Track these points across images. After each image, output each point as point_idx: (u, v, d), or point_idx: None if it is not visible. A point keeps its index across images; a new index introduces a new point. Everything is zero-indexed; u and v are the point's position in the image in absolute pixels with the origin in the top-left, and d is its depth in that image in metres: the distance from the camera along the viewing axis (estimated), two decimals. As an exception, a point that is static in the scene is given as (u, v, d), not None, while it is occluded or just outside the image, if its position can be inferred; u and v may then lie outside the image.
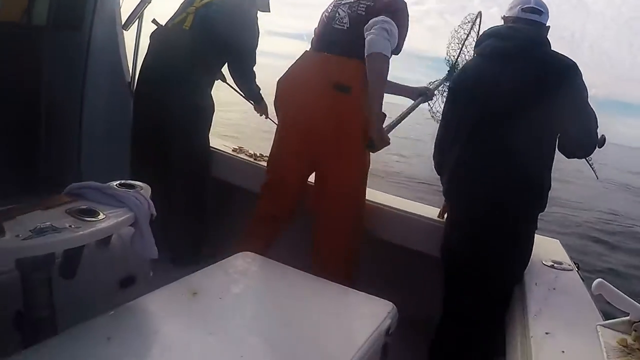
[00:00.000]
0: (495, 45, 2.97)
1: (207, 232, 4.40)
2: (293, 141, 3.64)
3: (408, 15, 3.45)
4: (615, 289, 2.15)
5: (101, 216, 1.95)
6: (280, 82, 3.69)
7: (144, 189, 2.32)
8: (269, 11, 4.48)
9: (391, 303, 2.39)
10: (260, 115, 4.82)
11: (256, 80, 4.52)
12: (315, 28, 3.79)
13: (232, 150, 4.69)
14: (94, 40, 4.75)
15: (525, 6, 2.99)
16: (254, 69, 4.44)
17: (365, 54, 3.20)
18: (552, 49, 2.92)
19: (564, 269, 2.95)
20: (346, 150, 3.46)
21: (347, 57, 3.36)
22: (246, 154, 4.61)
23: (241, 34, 4.19)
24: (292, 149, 3.65)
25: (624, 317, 2.14)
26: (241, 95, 4.65)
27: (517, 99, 2.80)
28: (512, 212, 2.87)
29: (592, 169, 3.28)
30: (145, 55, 4.42)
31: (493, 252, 2.86)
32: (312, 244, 3.67)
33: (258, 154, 4.59)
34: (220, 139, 5.09)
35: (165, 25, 4.34)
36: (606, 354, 1.93)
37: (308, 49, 3.76)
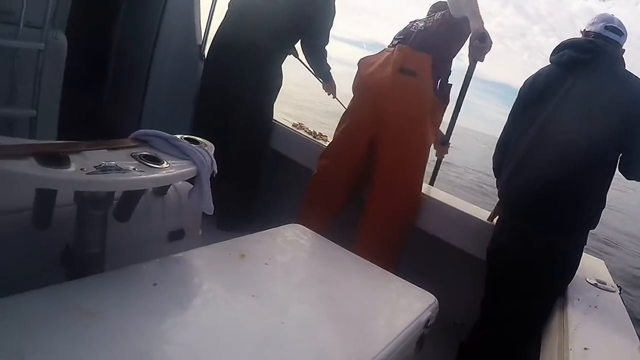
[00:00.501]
0: (572, 56, 2.96)
1: (259, 201, 4.44)
2: (361, 115, 3.91)
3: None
4: None
5: (165, 165, 1.96)
6: (359, 64, 4.00)
7: (208, 146, 2.33)
8: None
9: (433, 296, 2.38)
10: (328, 94, 4.84)
11: (327, 59, 4.53)
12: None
13: (293, 125, 4.72)
14: (170, 0, 4.82)
15: (609, 24, 3.01)
16: (326, 47, 4.46)
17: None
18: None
19: (607, 289, 2.93)
20: (407, 130, 3.71)
21: (417, 50, 3.71)
22: (306, 131, 4.63)
23: (318, 11, 4.23)
24: (359, 122, 3.91)
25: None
26: (311, 72, 4.66)
27: (587, 110, 2.78)
28: (565, 226, 2.86)
29: None
30: (222, 22, 4.47)
31: (541, 262, 2.85)
32: (360, 224, 3.83)
33: (317, 133, 4.61)
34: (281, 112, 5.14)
35: None
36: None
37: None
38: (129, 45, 5.07)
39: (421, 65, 3.71)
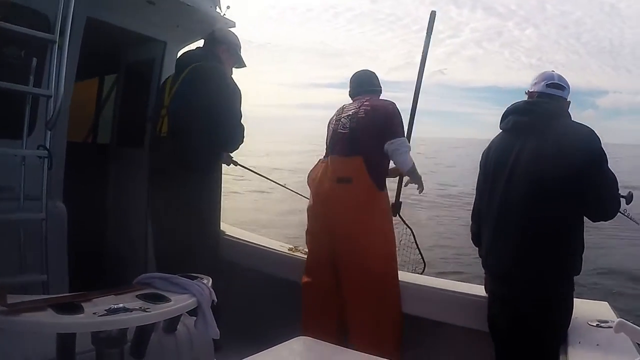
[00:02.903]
0: (516, 120, 3.22)
1: (265, 322, 4.37)
2: (316, 230, 4.30)
3: (399, 112, 4.24)
4: (637, 327, 2.22)
5: (168, 300, 2.17)
6: (308, 178, 4.42)
7: (206, 279, 2.53)
8: (245, 65, 4.56)
9: None
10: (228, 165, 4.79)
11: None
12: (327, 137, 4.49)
13: (289, 250, 4.91)
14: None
15: (550, 82, 3.26)
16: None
17: (403, 169, 4.24)
18: (573, 119, 3.19)
19: (609, 327, 2.96)
20: (357, 230, 3.99)
21: (348, 156, 4.13)
22: (301, 252, 4.80)
23: (223, 104, 4.09)
24: (316, 238, 4.27)
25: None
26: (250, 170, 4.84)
27: (538, 170, 2.99)
28: (548, 281, 3.01)
29: (630, 218, 3.35)
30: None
31: (534, 321, 2.98)
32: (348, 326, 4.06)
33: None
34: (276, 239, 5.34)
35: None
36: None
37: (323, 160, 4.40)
38: (124, 203, 5.33)
39: (355, 169, 4.04)
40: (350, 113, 4.26)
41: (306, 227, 4.39)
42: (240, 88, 4.22)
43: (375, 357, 2.68)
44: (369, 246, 3.97)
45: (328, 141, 4.40)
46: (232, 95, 4.16)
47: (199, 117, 4.02)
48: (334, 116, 4.46)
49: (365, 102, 4.27)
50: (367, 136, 4.10)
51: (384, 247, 4.08)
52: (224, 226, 5.24)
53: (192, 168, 4.04)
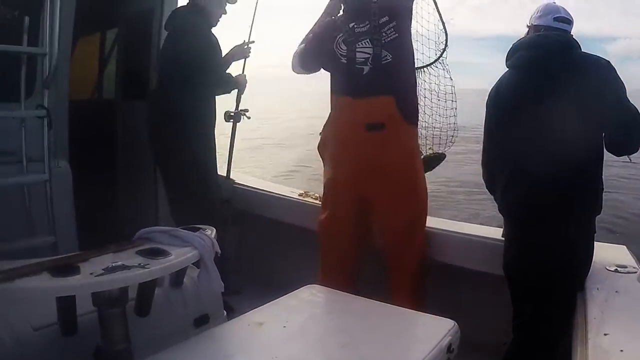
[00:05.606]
0: (528, 56, 3.05)
1: (278, 271, 4.43)
2: (343, 178, 3.76)
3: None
4: None
5: (168, 255, 2.13)
6: (323, 132, 3.95)
7: (209, 229, 2.49)
8: (235, 1, 4.41)
9: (452, 321, 2.44)
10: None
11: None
12: (332, 67, 3.78)
13: (299, 195, 4.85)
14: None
15: (557, 15, 3.09)
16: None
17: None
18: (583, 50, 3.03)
19: (628, 272, 2.90)
20: (394, 185, 3.61)
21: (374, 96, 3.53)
22: (312, 197, 4.72)
23: (199, 60, 4.04)
24: (344, 180, 3.75)
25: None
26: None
27: (558, 105, 2.86)
28: (565, 220, 2.90)
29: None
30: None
31: (551, 263, 2.88)
32: (388, 279, 3.78)
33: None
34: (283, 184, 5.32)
35: None
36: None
37: (338, 96, 3.76)
38: (132, 155, 5.31)
39: (385, 113, 3.52)
40: (370, 38, 3.54)
41: (325, 175, 3.94)
42: (217, 40, 4.22)
43: (383, 303, 2.67)
44: (406, 193, 3.66)
45: (343, 80, 3.70)
46: (205, 51, 4.10)
47: (178, 73, 4.03)
48: (339, 39, 3.66)
49: (384, 19, 3.53)
50: (401, 68, 3.59)
51: (420, 192, 3.74)
52: (234, 174, 5.25)
53: (176, 115, 4.04)
